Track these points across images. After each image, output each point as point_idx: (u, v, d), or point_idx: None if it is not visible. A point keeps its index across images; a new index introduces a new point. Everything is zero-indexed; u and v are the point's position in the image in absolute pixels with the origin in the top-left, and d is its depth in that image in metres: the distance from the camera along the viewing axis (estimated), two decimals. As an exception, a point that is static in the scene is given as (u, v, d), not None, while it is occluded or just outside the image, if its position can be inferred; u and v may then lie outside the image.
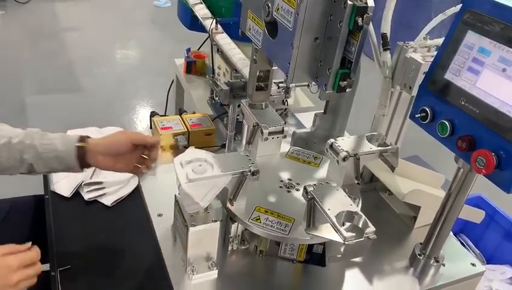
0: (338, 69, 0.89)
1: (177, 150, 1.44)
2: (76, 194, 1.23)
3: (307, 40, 0.89)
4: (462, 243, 1.93)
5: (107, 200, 1.21)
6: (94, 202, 1.21)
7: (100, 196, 1.22)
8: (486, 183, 0.84)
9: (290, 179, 1.18)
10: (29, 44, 4.03)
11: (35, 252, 0.88)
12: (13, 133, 1.05)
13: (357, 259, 1.14)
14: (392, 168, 1.19)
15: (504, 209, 1.93)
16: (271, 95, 1.35)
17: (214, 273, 1.04)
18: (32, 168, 1.05)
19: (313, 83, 0.97)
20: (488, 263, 1.92)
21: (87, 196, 1.21)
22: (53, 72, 3.62)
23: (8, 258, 0.85)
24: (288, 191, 1.14)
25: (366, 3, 0.83)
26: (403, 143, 1.29)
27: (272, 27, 0.97)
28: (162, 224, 1.16)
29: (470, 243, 1.98)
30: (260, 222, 1.03)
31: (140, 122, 3.17)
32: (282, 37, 0.93)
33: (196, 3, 1.92)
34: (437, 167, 2.15)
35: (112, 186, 1.24)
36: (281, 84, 1.45)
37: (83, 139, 1.06)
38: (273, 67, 1.20)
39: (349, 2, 0.82)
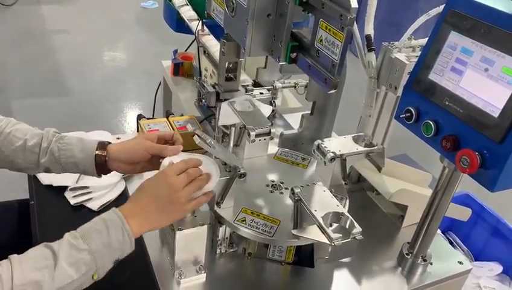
0: (288, 42, 0.96)
1: (164, 153, 1.43)
2: (62, 199, 1.21)
3: (260, 16, 0.97)
4: (450, 241, 1.96)
5: (94, 205, 1.20)
6: (80, 207, 1.20)
7: (86, 200, 1.21)
8: (473, 180, 0.85)
9: (277, 181, 1.18)
10: (16, 47, 3.98)
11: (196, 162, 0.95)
12: (30, 134, 1.03)
13: (346, 259, 1.14)
14: (379, 169, 1.20)
15: (491, 206, 1.95)
16: (254, 95, 1.36)
17: (202, 277, 1.04)
18: (49, 170, 1.05)
19: (269, 55, 1.03)
20: (476, 260, 1.94)
21: (73, 201, 1.20)
22: (40, 75, 3.58)
23: (172, 173, 0.90)
24: (277, 193, 1.14)
25: None
26: (391, 142, 1.29)
27: (231, 6, 1.03)
28: (150, 228, 1.15)
29: (459, 240, 2.00)
30: (245, 223, 1.03)
31: (129, 124, 3.15)
32: (239, 15, 1.01)
33: (182, 5, 1.91)
34: (426, 165, 2.17)
35: (99, 190, 1.23)
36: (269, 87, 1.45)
37: (102, 146, 1.04)
38: (241, 59, 1.26)
39: None
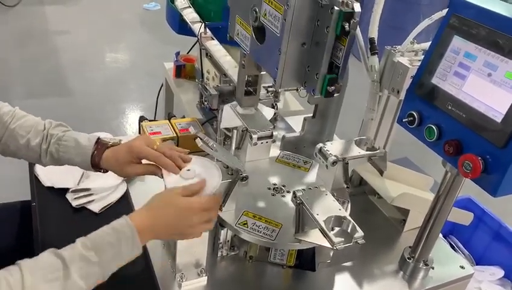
0: (325, 74, 0.89)
1: (166, 155, 1.43)
2: (64, 201, 1.21)
3: (294, 46, 0.89)
4: (451, 245, 1.95)
5: (95, 207, 1.20)
6: (82, 208, 1.20)
7: (88, 202, 1.21)
8: (475, 184, 0.85)
9: (279, 184, 1.18)
10: (18, 47, 3.99)
11: (215, 198, 0.94)
12: (33, 131, 1.05)
13: (347, 263, 1.13)
14: (381, 172, 1.19)
15: (493, 210, 1.94)
16: (260, 99, 1.35)
17: (203, 280, 1.04)
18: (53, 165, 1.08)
19: (301, 87, 0.97)
20: (477, 264, 1.93)
21: (74, 203, 1.20)
22: (42, 76, 3.59)
23: (191, 201, 0.90)
24: (279, 196, 1.14)
25: (353, 8, 0.84)
26: (392, 145, 1.29)
27: (260, 32, 0.97)
28: (151, 230, 1.14)
29: (460, 244, 1.99)
30: (247, 227, 1.03)
31: (130, 126, 3.15)
32: (270, 42, 0.93)
33: (185, 8, 1.91)
34: (427, 169, 2.16)
35: (100, 192, 1.23)
36: (270, 89, 1.44)
37: (99, 151, 1.04)
38: (262, 72, 1.20)
39: (335, 8, 0.83)
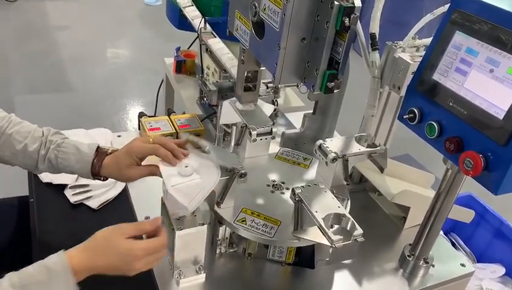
0: (325, 70, 0.89)
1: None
2: (62, 197, 1.21)
3: (293, 41, 0.89)
4: (452, 242, 1.94)
5: (93, 203, 1.19)
6: (80, 205, 1.19)
7: (86, 199, 1.20)
8: (476, 181, 0.84)
9: (278, 181, 1.17)
10: (18, 43, 3.98)
11: (162, 241, 0.88)
12: (30, 137, 1.03)
13: (347, 261, 1.13)
14: (381, 169, 1.18)
15: (494, 207, 1.93)
16: (260, 96, 1.34)
17: (201, 277, 1.03)
18: (47, 172, 1.06)
19: (301, 83, 0.97)
20: (478, 262, 1.92)
21: (73, 199, 1.19)
22: (42, 71, 3.58)
23: (134, 248, 0.84)
24: (278, 193, 1.13)
25: (353, 3, 0.83)
26: (394, 142, 1.28)
27: (259, 27, 0.96)
28: (149, 227, 1.14)
29: (461, 242, 1.98)
30: (246, 224, 1.02)
31: (131, 121, 3.14)
32: (269, 38, 0.93)
33: (187, 6, 1.90)
34: (428, 165, 2.15)
35: (99, 189, 1.22)
36: (270, 84, 1.44)
37: (99, 158, 1.02)
38: (261, 68, 1.19)
39: (335, 3, 0.82)
